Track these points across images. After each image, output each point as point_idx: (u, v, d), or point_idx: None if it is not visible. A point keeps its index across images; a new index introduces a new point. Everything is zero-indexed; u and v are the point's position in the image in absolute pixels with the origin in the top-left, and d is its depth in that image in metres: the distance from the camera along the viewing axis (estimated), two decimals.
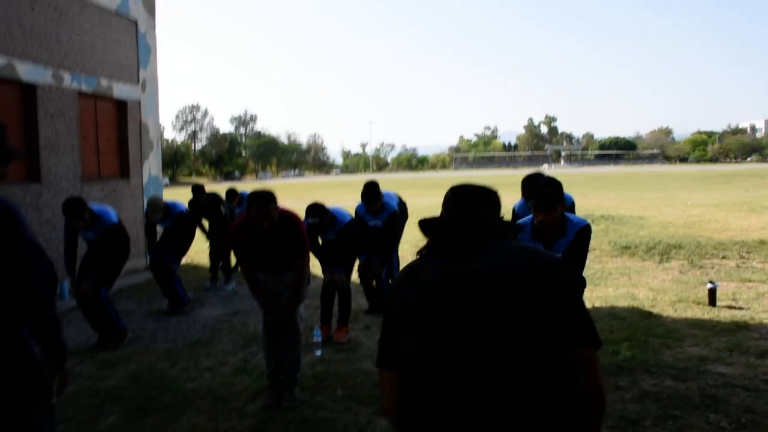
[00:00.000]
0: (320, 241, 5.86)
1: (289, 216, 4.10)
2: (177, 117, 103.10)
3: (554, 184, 3.66)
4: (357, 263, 6.15)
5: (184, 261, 7.41)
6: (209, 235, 8.55)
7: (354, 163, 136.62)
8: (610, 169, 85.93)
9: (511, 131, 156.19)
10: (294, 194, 32.04)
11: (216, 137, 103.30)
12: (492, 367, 1.49)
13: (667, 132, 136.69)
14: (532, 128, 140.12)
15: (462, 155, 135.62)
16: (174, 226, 7.04)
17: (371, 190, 5.95)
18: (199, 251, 10.09)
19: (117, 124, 9.88)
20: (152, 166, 10.68)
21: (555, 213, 3.57)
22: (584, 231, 3.73)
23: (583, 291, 4.20)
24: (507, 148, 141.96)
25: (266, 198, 3.91)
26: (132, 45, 10.01)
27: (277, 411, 4.02)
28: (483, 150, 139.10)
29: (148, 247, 7.32)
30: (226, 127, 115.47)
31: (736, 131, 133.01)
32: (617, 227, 13.08)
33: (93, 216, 5.54)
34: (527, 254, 1.60)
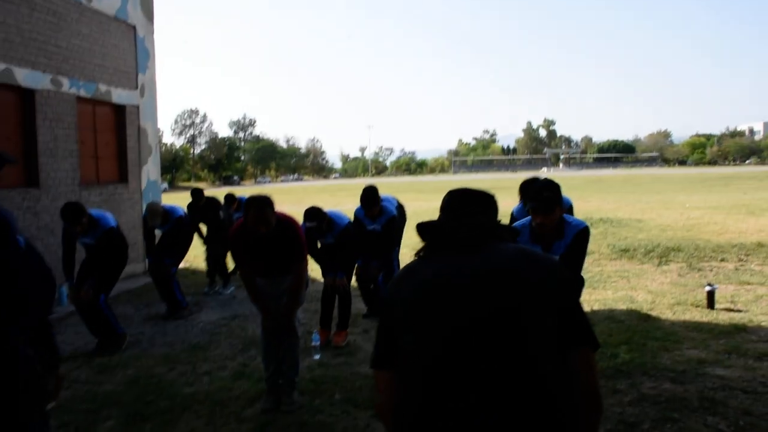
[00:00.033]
0: (319, 245, 5.87)
1: (286, 220, 4.11)
2: (176, 121, 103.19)
3: (552, 187, 3.66)
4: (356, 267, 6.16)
5: (182, 265, 7.41)
6: (206, 240, 8.56)
7: (353, 167, 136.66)
8: (608, 172, 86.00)
9: (509, 135, 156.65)
10: (293, 198, 32.05)
11: (215, 142, 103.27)
12: (492, 367, 1.49)
13: (666, 135, 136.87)
14: (530, 132, 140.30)
15: (461, 159, 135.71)
16: (172, 230, 7.04)
17: (370, 195, 5.97)
18: (197, 255, 10.08)
19: (115, 129, 9.89)
20: (151, 170, 10.69)
21: (553, 215, 3.57)
22: (582, 233, 3.74)
23: (581, 290, 4.20)
24: (506, 151, 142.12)
25: (263, 203, 3.91)
26: (130, 50, 10.03)
27: (275, 415, 4.02)
28: (482, 153, 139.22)
29: (146, 250, 7.32)
30: (224, 132, 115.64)
31: (735, 134, 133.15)
32: (616, 230, 13.09)
33: (91, 221, 5.55)
34: (525, 256, 1.61)
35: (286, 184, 78.69)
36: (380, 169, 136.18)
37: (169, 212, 7.03)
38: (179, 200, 8.89)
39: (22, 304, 1.89)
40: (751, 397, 3.99)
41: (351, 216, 6.26)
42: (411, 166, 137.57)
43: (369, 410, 3.99)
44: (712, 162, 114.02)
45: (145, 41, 10.41)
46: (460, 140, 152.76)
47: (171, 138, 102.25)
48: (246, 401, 4.29)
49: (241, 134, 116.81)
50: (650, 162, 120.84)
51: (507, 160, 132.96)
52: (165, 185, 64.20)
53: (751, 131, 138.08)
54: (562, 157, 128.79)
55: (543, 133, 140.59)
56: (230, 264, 8.38)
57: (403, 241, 7.06)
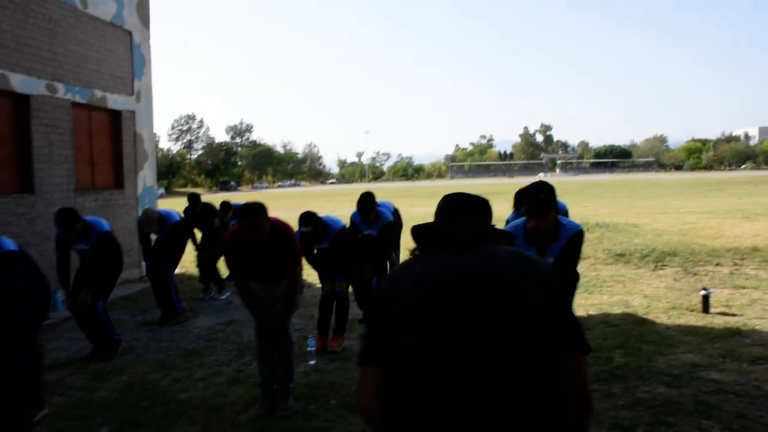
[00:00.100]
0: (315, 251, 5.86)
1: (280, 226, 4.11)
2: (172, 127, 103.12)
3: (547, 190, 3.68)
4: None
5: (178, 270, 7.41)
6: (198, 246, 8.56)
7: (350, 172, 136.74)
8: (605, 177, 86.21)
9: (506, 140, 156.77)
10: (290, 204, 32.04)
11: (212, 147, 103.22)
12: (492, 367, 1.50)
13: (662, 140, 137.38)
14: (527, 137, 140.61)
15: (458, 164, 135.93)
16: (168, 236, 7.04)
17: (367, 201, 5.99)
18: (192, 261, 10.07)
19: (111, 135, 9.89)
20: (147, 176, 10.68)
21: (548, 218, 3.59)
22: (577, 236, 3.76)
23: (576, 286, 4.20)
24: (503, 156, 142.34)
25: (257, 211, 3.92)
26: (126, 56, 10.04)
27: (270, 420, 4.01)
28: (479, 159, 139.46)
29: (144, 255, 7.32)
30: (221, 137, 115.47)
31: (730, 139, 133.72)
32: (612, 235, 13.11)
33: (85, 226, 5.53)
34: (521, 259, 1.62)
35: (283, 190, 78.68)
36: (377, 175, 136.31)
37: (165, 218, 7.03)
38: (176, 206, 8.88)
39: (20, 314, 1.90)
40: (745, 401, 4.00)
41: (347, 221, 6.28)
42: (408, 171, 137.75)
43: None
44: (708, 167, 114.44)
45: (141, 47, 10.43)
46: (457, 145, 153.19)
47: (168, 143, 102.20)
48: (241, 407, 4.28)
49: (238, 139, 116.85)
50: (646, 167, 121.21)
51: (504, 165, 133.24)
52: (162, 191, 64.14)
53: (747, 136, 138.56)
54: (558, 162, 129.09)
55: (540, 138, 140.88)
56: (222, 270, 8.40)
57: (401, 245, 7.07)
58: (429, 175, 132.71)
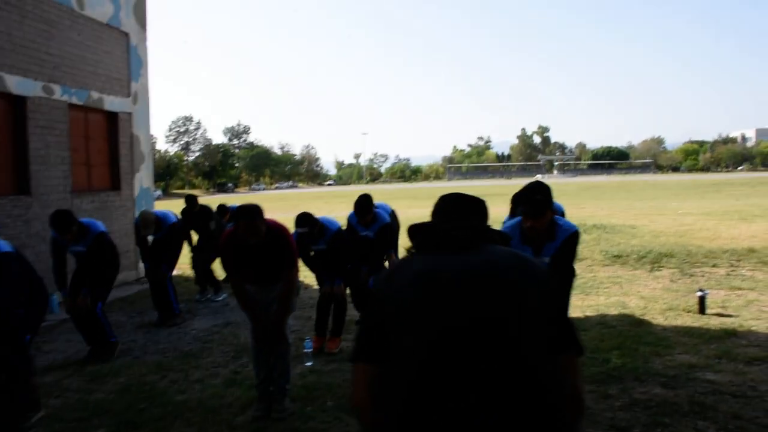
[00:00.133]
0: (312, 252, 5.86)
1: (276, 228, 4.11)
2: (170, 128, 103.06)
3: (543, 190, 3.68)
4: None
5: (174, 272, 7.41)
6: (194, 248, 8.56)
7: (348, 173, 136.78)
8: (602, 178, 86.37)
9: (504, 141, 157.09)
10: (287, 205, 32.02)
11: (209, 148, 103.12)
12: (492, 367, 1.50)
13: (659, 141, 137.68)
14: (525, 138, 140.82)
15: (455, 165, 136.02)
16: (165, 237, 7.03)
17: (364, 203, 6.00)
18: (188, 263, 10.06)
19: (108, 137, 9.88)
20: (144, 178, 10.67)
21: (544, 218, 3.60)
22: (572, 237, 3.76)
23: (572, 282, 4.20)
24: (500, 158, 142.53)
25: (253, 214, 3.92)
26: (123, 57, 10.04)
27: (266, 422, 4.01)
28: (476, 160, 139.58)
29: (141, 256, 7.32)
30: (219, 139, 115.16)
31: (727, 140, 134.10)
32: (609, 236, 13.13)
33: (81, 228, 5.51)
34: (518, 260, 1.63)
35: (281, 191, 78.63)
36: (375, 176, 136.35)
37: (161, 220, 7.02)
38: (173, 207, 8.87)
39: (17, 316, 1.91)
40: (740, 401, 4.01)
41: (344, 222, 6.28)
42: (406, 172, 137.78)
43: None
44: (705, 168, 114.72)
45: (137, 49, 10.42)
46: (455, 147, 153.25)
47: (165, 145, 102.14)
48: (238, 408, 4.28)
49: (235, 141, 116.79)
50: (644, 168, 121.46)
51: (501, 166, 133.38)
52: (159, 192, 64.01)
53: (744, 138, 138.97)
54: (556, 163, 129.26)
55: (537, 139, 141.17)
56: (218, 272, 8.39)
57: (399, 247, 7.06)
58: (426, 177, 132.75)
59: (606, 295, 7.47)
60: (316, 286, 5.92)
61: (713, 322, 6.00)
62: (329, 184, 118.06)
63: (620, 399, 4.13)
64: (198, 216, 8.44)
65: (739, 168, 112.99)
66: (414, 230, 1.75)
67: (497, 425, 1.48)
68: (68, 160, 8.66)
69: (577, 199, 29.54)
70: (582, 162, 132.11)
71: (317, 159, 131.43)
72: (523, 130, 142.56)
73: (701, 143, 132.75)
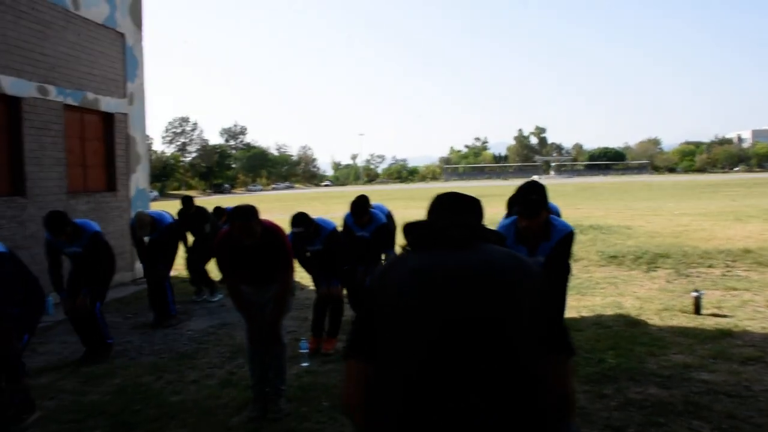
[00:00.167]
0: (308, 253, 5.85)
1: (272, 228, 4.11)
2: (166, 129, 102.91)
3: (538, 189, 3.69)
4: None
5: (171, 273, 7.40)
6: (189, 249, 8.54)
7: (344, 174, 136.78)
8: (599, 179, 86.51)
9: (501, 142, 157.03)
10: (284, 206, 31.98)
11: (205, 149, 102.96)
12: (492, 367, 1.51)
13: (656, 142, 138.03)
14: (522, 139, 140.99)
15: (452, 166, 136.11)
16: (161, 238, 7.02)
17: (360, 204, 6.01)
18: (183, 264, 10.05)
19: (104, 138, 9.86)
20: (140, 179, 10.65)
21: (539, 218, 3.60)
22: (567, 237, 3.77)
23: (568, 279, 4.20)
24: (497, 159, 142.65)
25: (248, 215, 3.92)
26: (119, 58, 10.02)
27: (262, 423, 4.01)
28: (473, 161, 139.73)
29: (139, 257, 7.30)
30: (215, 139, 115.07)
31: (724, 142, 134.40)
32: (605, 237, 13.15)
33: (75, 229, 5.49)
34: (513, 260, 1.63)
35: (278, 192, 78.55)
36: (372, 177, 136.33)
37: (157, 221, 7.01)
38: (169, 208, 8.86)
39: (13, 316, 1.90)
40: (735, 401, 4.02)
41: (340, 223, 6.28)
42: (402, 173, 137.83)
43: None
44: (702, 169, 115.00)
45: (133, 49, 10.40)
46: (452, 148, 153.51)
47: (161, 146, 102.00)
48: (233, 409, 4.27)
49: (232, 142, 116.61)
50: (640, 169, 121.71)
51: (498, 167, 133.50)
52: (155, 193, 63.91)
53: (740, 139, 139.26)
54: (553, 164, 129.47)
55: (534, 140, 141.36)
56: (213, 272, 8.38)
57: (395, 247, 7.06)
58: (423, 178, 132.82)
59: (602, 296, 7.48)
60: (312, 287, 5.92)
61: (708, 323, 6.02)
62: (326, 185, 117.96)
63: (615, 399, 4.13)
64: (194, 217, 8.44)
65: (736, 169, 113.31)
66: (409, 228, 1.75)
67: (497, 425, 1.48)
68: (64, 161, 8.63)
69: (573, 199, 29.59)
70: (579, 163, 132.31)
71: (314, 160, 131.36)
72: (520, 130, 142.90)
73: (698, 144, 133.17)
